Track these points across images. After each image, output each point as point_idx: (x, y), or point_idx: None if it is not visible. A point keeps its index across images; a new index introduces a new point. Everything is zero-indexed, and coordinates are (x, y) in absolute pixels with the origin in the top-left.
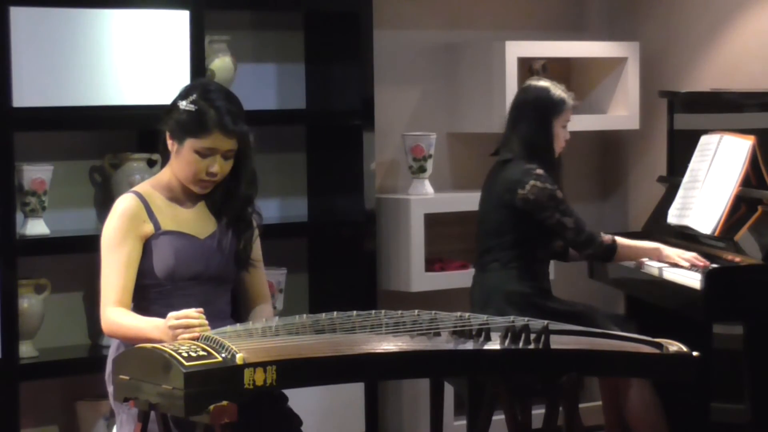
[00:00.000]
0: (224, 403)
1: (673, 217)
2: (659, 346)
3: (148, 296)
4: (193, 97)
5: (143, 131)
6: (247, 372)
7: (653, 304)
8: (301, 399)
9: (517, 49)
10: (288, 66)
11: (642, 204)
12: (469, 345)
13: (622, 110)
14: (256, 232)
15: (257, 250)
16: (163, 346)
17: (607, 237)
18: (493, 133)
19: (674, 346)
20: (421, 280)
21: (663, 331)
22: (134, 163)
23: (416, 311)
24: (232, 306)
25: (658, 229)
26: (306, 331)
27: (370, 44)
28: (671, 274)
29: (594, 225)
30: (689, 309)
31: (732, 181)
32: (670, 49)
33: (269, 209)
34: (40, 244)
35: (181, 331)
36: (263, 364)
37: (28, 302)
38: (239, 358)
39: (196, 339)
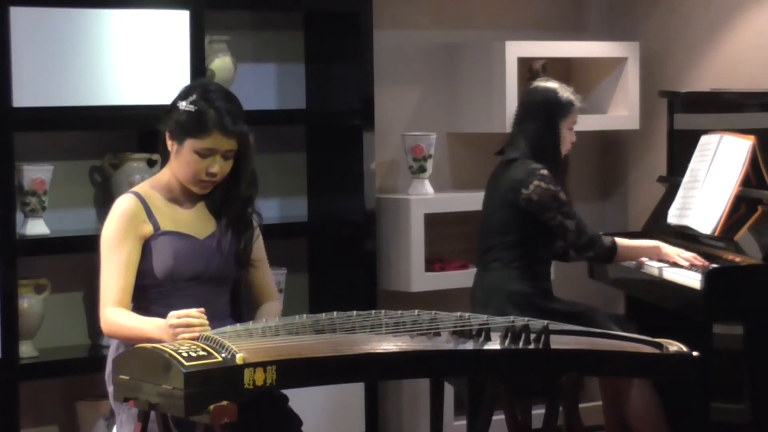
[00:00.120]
0: (224, 403)
1: (673, 217)
2: (659, 346)
3: (147, 297)
4: (193, 97)
5: (143, 131)
6: (247, 372)
7: (653, 304)
8: (301, 399)
9: (517, 49)
10: (288, 66)
11: (642, 204)
12: (469, 345)
13: (622, 110)
14: (258, 231)
15: (260, 248)
16: (163, 346)
17: (606, 239)
18: (493, 133)
19: (674, 346)
20: (421, 280)
21: (663, 331)
22: (134, 163)
23: (416, 311)
24: (231, 306)
25: (658, 229)
26: (306, 331)
27: (370, 44)
28: (671, 274)
29: (594, 225)
30: (689, 309)
31: (732, 181)
32: (670, 49)
33: (269, 209)
34: (40, 244)
35: (182, 330)
36: (263, 364)
37: (28, 302)
38: (239, 358)
39: (196, 339)
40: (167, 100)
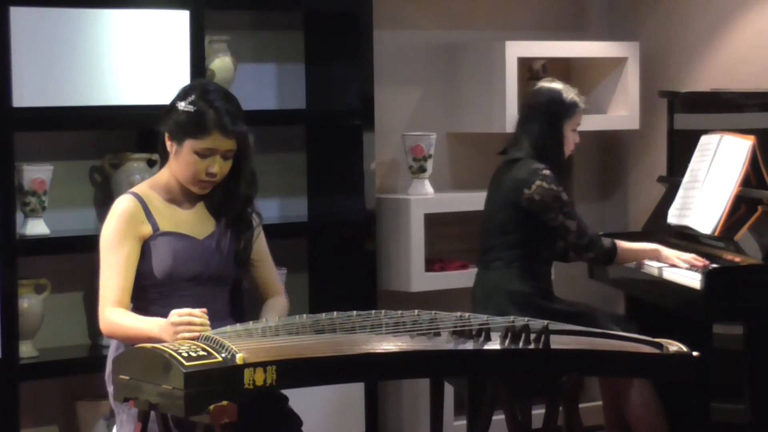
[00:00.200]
0: (224, 403)
1: (673, 217)
2: (659, 346)
3: (147, 297)
4: (192, 97)
5: (143, 131)
6: (247, 372)
7: (653, 304)
8: (301, 399)
9: (517, 49)
10: (288, 66)
11: (642, 204)
12: (469, 345)
13: (622, 110)
14: (259, 229)
15: (262, 245)
16: (163, 346)
17: (607, 240)
18: (493, 133)
19: (674, 346)
20: (421, 280)
21: (663, 331)
22: (134, 163)
23: (416, 311)
24: (231, 306)
25: (658, 229)
26: (306, 331)
27: (370, 44)
28: (671, 274)
29: (594, 225)
30: (689, 309)
31: (732, 181)
32: (670, 49)
33: (269, 209)
34: (40, 244)
35: (182, 329)
36: (263, 364)
37: (28, 302)
38: (239, 358)
39: (196, 339)
40: (167, 100)
